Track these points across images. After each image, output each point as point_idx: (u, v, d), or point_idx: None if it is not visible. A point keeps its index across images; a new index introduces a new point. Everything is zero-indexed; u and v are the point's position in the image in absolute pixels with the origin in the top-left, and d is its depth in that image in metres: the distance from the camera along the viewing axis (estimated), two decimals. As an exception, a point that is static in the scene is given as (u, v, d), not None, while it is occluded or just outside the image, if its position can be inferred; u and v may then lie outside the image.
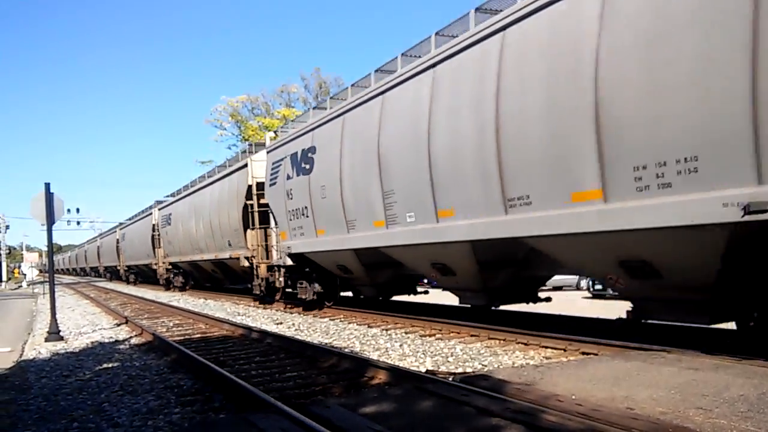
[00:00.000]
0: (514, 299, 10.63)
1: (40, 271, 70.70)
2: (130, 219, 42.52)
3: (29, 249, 76.26)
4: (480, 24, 8.92)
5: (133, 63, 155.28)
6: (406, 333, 10.98)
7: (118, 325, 15.05)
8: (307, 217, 13.98)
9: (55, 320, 12.60)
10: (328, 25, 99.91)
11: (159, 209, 31.31)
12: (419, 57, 10.39)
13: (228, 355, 9.49)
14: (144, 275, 39.06)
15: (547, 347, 8.65)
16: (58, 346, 11.40)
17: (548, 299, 11.07)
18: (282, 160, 15.38)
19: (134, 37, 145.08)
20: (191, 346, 10.17)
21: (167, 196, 31.51)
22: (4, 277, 55.64)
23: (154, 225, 31.84)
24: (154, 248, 32.10)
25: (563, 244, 7.82)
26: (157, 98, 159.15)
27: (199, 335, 12.24)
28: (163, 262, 30.75)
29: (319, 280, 15.18)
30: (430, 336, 10.49)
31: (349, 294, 16.29)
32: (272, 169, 16.02)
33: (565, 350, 8.34)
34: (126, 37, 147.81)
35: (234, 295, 23.25)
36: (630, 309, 7.65)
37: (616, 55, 6.67)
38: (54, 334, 12.29)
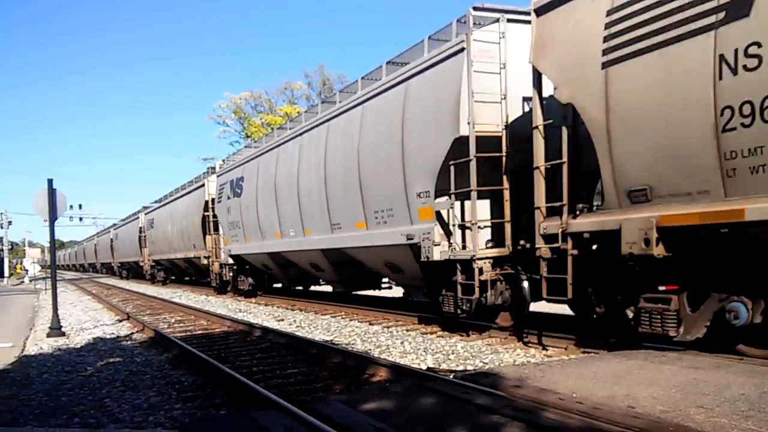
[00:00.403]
0: (362, 287, 15.43)
1: (42, 267, 70.89)
2: (122, 221, 47.78)
3: (31, 245, 76.23)
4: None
5: (136, 58, 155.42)
6: (407, 330, 10.99)
7: (120, 321, 15.07)
8: (239, 228, 19.14)
9: (57, 316, 12.62)
10: (333, 22, 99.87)
11: (145, 214, 36.17)
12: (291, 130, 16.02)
13: (229, 351, 9.50)
14: (134, 271, 43.23)
15: (548, 345, 8.65)
16: (60, 342, 11.43)
17: (389, 287, 15.40)
18: (224, 184, 20.76)
19: (137, 32, 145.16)
20: (193, 342, 10.18)
21: (153, 203, 36.40)
22: (6, 273, 55.68)
23: (141, 227, 36.75)
24: (141, 247, 36.80)
25: (360, 252, 12.64)
26: (159, 94, 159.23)
27: (200, 331, 12.25)
28: (149, 260, 35.36)
29: (252, 275, 19.91)
30: (431, 334, 10.49)
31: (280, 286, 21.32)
32: (219, 190, 21.55)
33: (566, 349, 8.34)
34: (129, 33, 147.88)
35: (200, 287, 28.03)
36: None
37: (365, 148, 11.81)
38: (56, 329, 12.32)
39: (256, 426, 4.81)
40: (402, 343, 9.61)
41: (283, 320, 13.64)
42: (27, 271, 57.38)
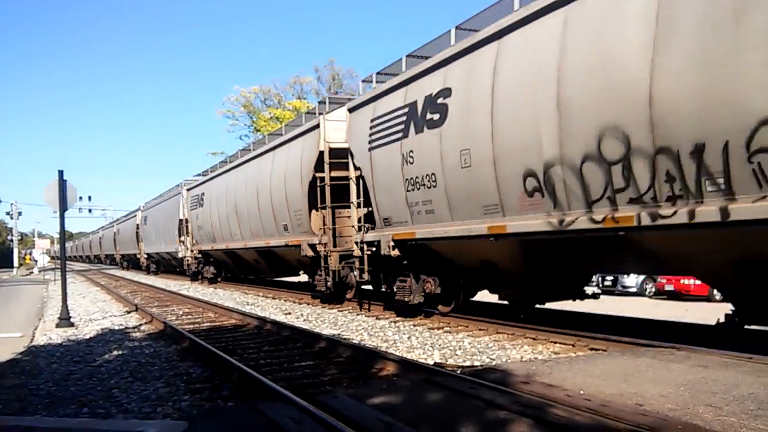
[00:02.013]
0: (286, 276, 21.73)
1: (52, 258, 71.33)
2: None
3: (41, 236, 76.79)
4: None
5: (147, 52, 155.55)
6: (414, 326, 10.99)
7: (128, 312, 15.15)
8: (203, 230, 23.14)
9: (66, 307, 12.70)
10: (344, 17, 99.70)
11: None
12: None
13: (237, 344, 9.53)
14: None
15: (555, 342, 8.64)
16: (69, 333, 11.50)
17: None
18: (195, 196, 25.35)
19: (148, 26, 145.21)
20: (200, 335, 10.23)
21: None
22: (16, 264, 56.08)
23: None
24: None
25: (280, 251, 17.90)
26: (169, 88, 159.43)
27: (208, 324, 12.30)
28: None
29: (215, 266, 18.22)
30: (438, 329, 10.49)
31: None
32: (190, 200, 25.27)
33: (573, 345, 8.32)
34: (140, 27, 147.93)
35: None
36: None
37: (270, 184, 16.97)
38: (65, 320, 12.39)
39: (265, 418, 4.84)
40: (409, 337, 9.62)
41: (290, 314, 13.67)
42: (36, 261, 57.77)
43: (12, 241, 59.39)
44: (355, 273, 13.24)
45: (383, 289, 12.95)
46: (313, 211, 14.67)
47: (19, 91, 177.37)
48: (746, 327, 7.36)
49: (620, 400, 4.87)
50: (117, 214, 62.66)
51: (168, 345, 9.74)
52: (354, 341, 9.17)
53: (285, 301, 17.04)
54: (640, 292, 22.60)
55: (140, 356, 8.78)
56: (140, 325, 12.54)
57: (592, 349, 8.00)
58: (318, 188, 14.19)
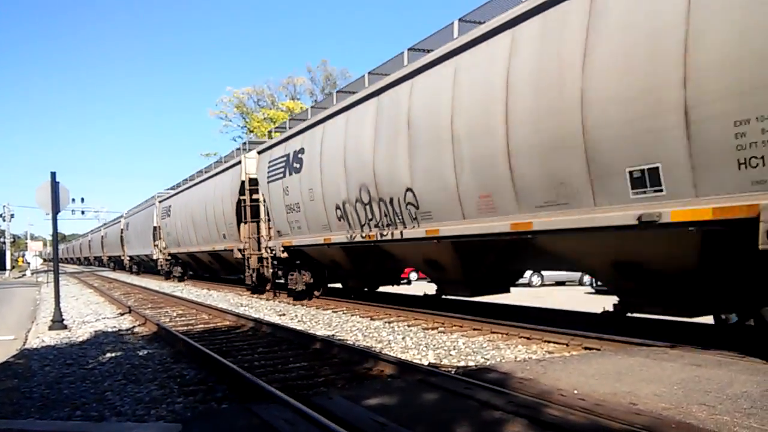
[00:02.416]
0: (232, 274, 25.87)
1: (44, 260, 71.05)
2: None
3: (33, 238, 76.43)
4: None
5: (139, 53, 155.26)
6: (408, 326, 10.99)
7: (122, 314, 15.09)
8: (172, 236, 24.56)
9: (59, 309, 12.64)
10: (336, 18, 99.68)
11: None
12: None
13: (231, 345, 9.51)
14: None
15: (549, 342, 8.66)
16: (62, 335, 11.45)
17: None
18: (166, 207, 27.28)
19: (140, 27, 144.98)
20: (194, 336, 10.20)
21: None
22: (8, 266, 55.79)
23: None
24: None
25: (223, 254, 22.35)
26: (162, 89, 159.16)
27: (202, 325, 12.27)
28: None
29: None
30: (432, 329, 10.50)
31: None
32: (163, 211, 27.56)
33: (567, 345, 8.34)
34: (132, 28, 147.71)
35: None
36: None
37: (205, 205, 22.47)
38: (57, 322, 12.34)
39: (259, 420, 4.82)
40: (403, 338, 9.62)
41: (284, 315, 13.65)
42: (29, 264, 57.46)
43: (4, 243, 59.06)
44: (263, 270, 18.12)
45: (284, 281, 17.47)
46: (241, 224, 19.51)
47: (11, 93, 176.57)
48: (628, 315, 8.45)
49: (614, 400, 4.88)
50: (110, 216, 63.06)
51: (161, 347, 9.71)
52: (348, 342, 9.17)
53: (227, 293, 21.66)
54: (583, 284, 24.48)
55: (134, 358, 8.75)
56: (134, 327, 12.49)
57: (586, 348, 8.02)
58: (242, 207, 19.24)
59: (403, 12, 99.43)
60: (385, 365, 7.03)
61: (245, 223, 18.99)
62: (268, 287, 18.72)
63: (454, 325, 10.64)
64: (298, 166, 14.76)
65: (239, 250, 19.59)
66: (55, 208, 12.81)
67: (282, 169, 15.68)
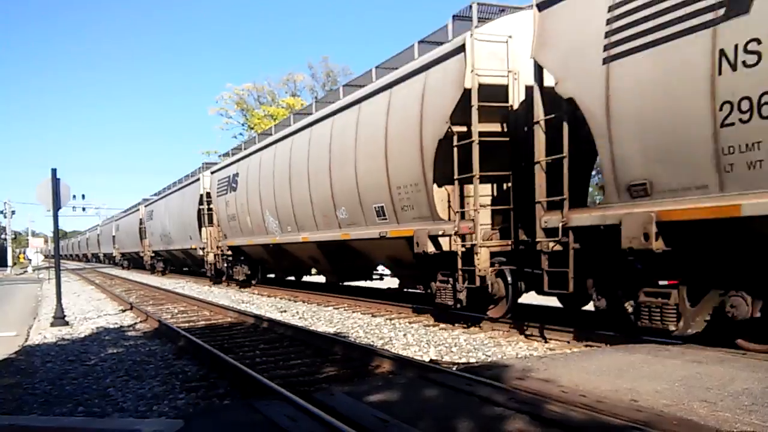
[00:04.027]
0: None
1: (46, 257, 71.08)
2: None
3: (35, 234, 76.37)
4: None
5: (140, 50, 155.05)
6: (410, 323, 11.00)
7: (123, 311, 15.11)
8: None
9: (61, 305, 12.66)
10: (337, 14, 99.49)
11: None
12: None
13: (232, 342, 9.52)
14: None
15: (551, 338, 8.66)
16: (64, 331, 11.46)
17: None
18: (150, 211, 30.26)
19: (140, 24, 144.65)
20: (196, 333, 10.21)
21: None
22: (10, 263, 55.81)
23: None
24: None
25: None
26: (163, 86, 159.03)
27: (203, 322, 12.28)
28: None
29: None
30: (433, 326, 10.50)
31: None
32: (148, 215, 30.84)
33: (568, 342, 8.35)
34: (132, 25, 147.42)
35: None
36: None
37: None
38: (59, 319, 12.36)
39: (261, 416, 4.83)
40: (405, 335, 9.63)
41: (285, 311, 13.67)
42: (30, 260, 57.47)
43: (5, 240, 59.06)
44: (219, 265, 22.86)
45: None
46: (202, 228, 25.09)
47: (12, 90, 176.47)
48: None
49: (615, 396, 4.88)
50: (111, 213, 62.79)
51: (163, 343, 9.72)
52: (350, 339, 9.18)
53: (194, 283, 25.21)
54: None
55: (136, 355, 8.77)
56: (135, 323, 12.51)
57: (587, 345, 8.03)
58: (202, 215, 24.55)
59: (403, 8, 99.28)
60: (386, 362, 7.04)
61: (205, 227, 23.68)
62: (223, 278, 23.16)
63: (456, 322, 10.63)
64: (234, 185, 19.80)
65: (201, 248, 24.75)
66: (56, 205, 12.82)
67: (225, 187, 20.83)
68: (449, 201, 9.89)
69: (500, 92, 9.16)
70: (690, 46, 5.91)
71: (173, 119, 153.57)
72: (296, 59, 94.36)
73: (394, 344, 8.87)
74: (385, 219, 11.33)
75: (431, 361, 7.32)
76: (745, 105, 5.51)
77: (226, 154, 23.28)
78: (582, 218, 7.41)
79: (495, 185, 9.94)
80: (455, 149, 9.34)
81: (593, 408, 4.57)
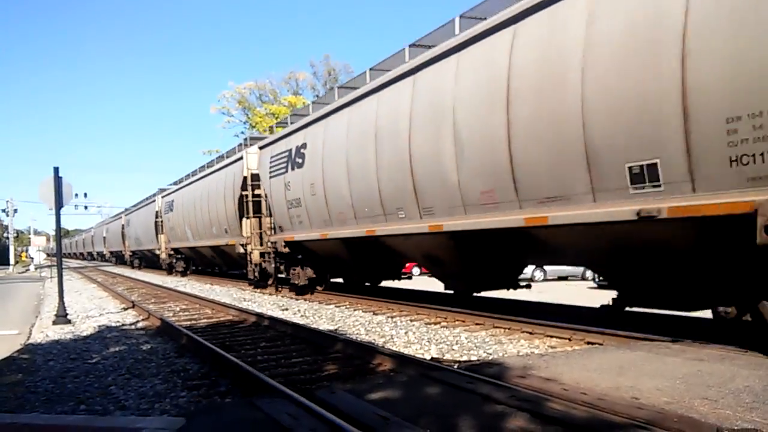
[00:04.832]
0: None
1: (48, 255, 71.20)
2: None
3: (37, 233, 76.53)
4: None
5: (141, 49, 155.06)
6: (411, 321, 11.01)
7: (125, 309, 15.14)
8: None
9: (63, 304, 12.68)
10: (339, 12, 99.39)
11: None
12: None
13: (234, 340, 9.53)
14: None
15: (552, 336, 8.67)
16: (66, 330, 11.49)
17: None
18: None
19: (142, 23, 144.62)
20: (198, 331, 10.22)
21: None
22: (12, 261, 55.90)
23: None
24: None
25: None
26: (164, 85, 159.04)
27: (205, 320, 12.30)
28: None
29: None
30: (434, 324, 10.51)
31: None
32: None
33: (570, 339, 8.35)
34: (134, 23, 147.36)
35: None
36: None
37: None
38: (61, 317, 12.38)
39: (262, 414, 4.84)
40: (406, 333, 9.64)
41: (287, 310, 13.68)
42: (32, 259, 57.60)
43: (8, 238, 59.15)
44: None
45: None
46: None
47: (14, 88, 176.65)
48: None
49: (616, 394, 4.89)
50: (113, 211, 63.13)
51: (165, 342, 9.74)
52: (351, 337, 9.19)
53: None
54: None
55: (137, 353, 8.78)
56: (137, 321, 12.53)
57: (588, 343, 8.04)
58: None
59: (406, 7, 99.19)
60: (387, 360, 7.04)
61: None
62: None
63: (457, 320, 10.65)
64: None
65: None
66: (58, 204, 12.84)
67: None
68: None
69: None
70: (281, 180, 15.78)
71: (175, 117, 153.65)
72: (298, 58, 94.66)
73: (396, 342, 8.88)
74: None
75: (432, 359, 7.32)
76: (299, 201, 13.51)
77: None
78: (272, 238, 17.53)
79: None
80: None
81: (594, 406, 4.58)
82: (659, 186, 6.52)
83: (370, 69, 12.70)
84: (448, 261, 11.10)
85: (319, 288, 16.84)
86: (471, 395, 5.07)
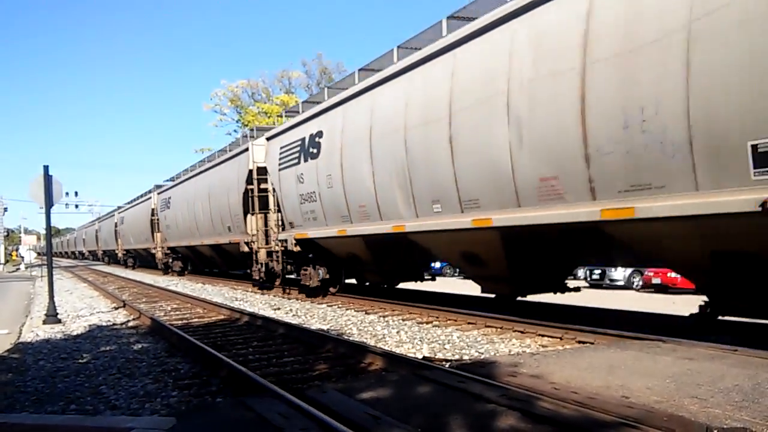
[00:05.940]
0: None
1: (38, 254, 70.82)
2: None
3: (27, 232, 76.14)
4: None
5: (133, 47, 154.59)
6: (403, 320, 11.01)
7: (116, 308, 15.07)
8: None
9: (53, 303, 12.61)
10: (331, 11, 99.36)
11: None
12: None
13: (226, 339, 9.51)
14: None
15: (543, 335, 8.69)
16: (56, 329, 11.43)
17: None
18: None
19: (134, 21, 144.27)
20: (189, 331, 10.19)
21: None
22: (2, 260, 55.53)
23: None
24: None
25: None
26: (156, 83, 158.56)
27: (197, 320, 12.26)
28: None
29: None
30: (427, 323, 10.52)
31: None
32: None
33: (561, 339, 8.37)
34: (126, 21, 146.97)
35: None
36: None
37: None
38: (52, 316, 12.32)
39: (253, 413, 4.83)
40: (398, 332, 9.64)
41: (279, 309, 13.65)
42: (23, 258, 57.27)
43: (-2, 237, 58.74)
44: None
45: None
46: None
47: (3, 86, 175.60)
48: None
49: (607, 393, 4.91)
50: (104, 210, 62.97)
51: (156, 341, 9.70)
52: (343, 336, 9.18)
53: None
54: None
55: (128, 352, 8.75)
56: (128, 321, 12.47)
57: (579, 342, 8.06)
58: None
59: (397, 5, 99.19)
60: (379, 359, 7.04)
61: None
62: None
63: (449, 319, 10.66)
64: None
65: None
66: (49, 202, 12.77)
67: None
68: None
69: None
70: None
71: (167, 116, 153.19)
72: (290, 56, 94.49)
73: (388, 341, 8.88)
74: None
75: (424, 358, 7.33)
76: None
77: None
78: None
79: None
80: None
81: (584, 404, 4.59)
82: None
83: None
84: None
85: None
86: (462, 394, 5.08)
